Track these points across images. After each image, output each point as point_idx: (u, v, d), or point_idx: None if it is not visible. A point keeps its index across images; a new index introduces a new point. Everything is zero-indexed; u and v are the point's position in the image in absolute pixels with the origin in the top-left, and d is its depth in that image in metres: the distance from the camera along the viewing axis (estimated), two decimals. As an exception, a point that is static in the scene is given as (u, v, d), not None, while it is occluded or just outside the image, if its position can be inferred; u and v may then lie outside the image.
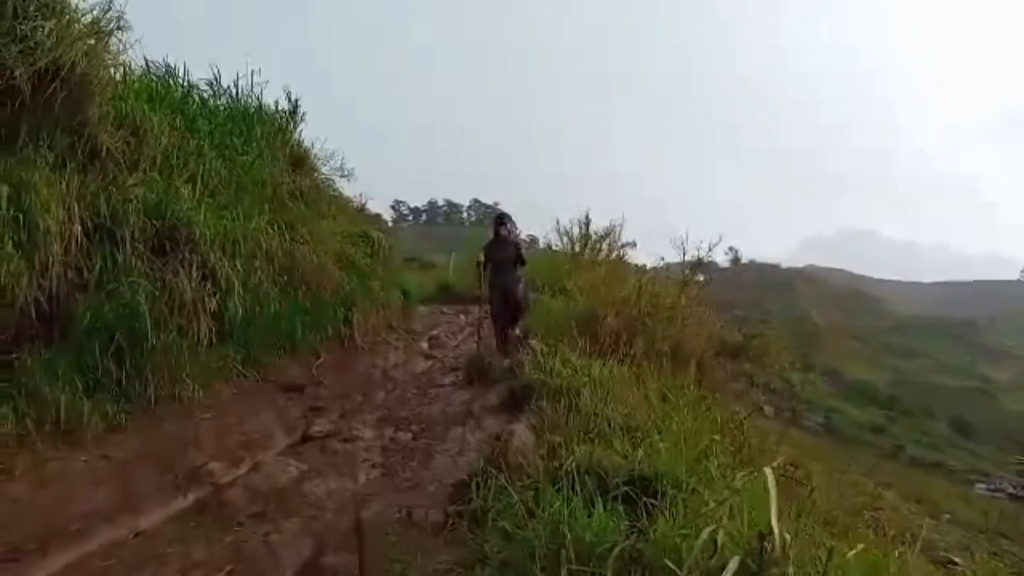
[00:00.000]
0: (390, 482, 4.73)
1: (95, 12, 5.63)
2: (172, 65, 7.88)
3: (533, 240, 20.42)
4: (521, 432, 4.38)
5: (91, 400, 4.69)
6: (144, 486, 4.21)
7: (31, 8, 5.07)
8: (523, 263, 8.30)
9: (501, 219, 8.48)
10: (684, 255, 9.63)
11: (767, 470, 3.12)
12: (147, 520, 3.86)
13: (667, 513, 2.34)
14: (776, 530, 2.01)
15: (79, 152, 5.48)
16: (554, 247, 17.14)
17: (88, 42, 5.45)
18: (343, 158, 10.53)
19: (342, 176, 10.64)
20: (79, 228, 5.09)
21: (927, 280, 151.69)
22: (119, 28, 5.89)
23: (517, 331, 8.01)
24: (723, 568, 1.84)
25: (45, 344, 4.82)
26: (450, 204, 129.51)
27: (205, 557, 3.48)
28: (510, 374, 6.50)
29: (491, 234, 8.44)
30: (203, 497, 4.22)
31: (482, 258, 8.17)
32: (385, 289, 10.01)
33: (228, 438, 5.15)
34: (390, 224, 21.50)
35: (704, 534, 1.94)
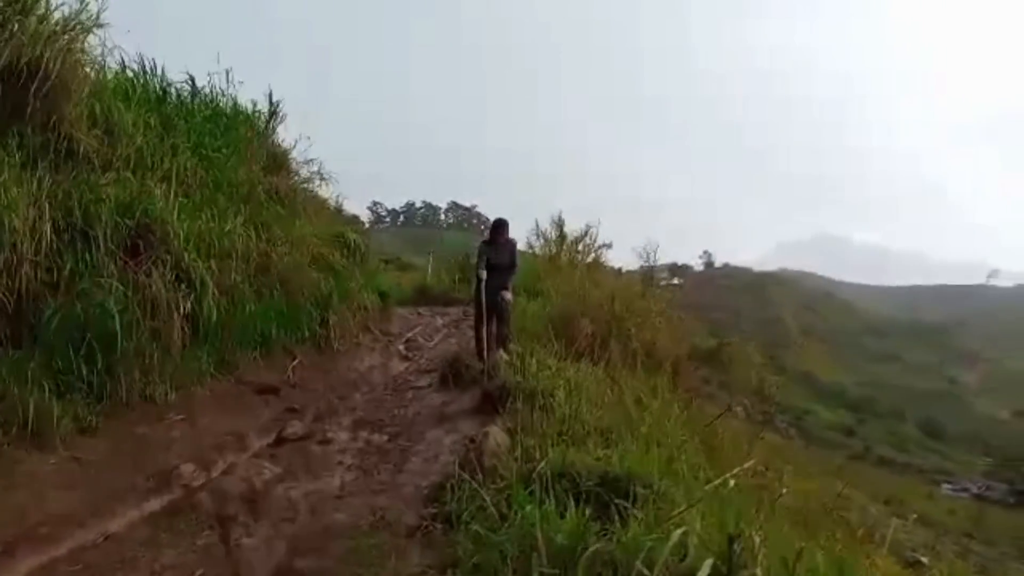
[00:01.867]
0: (365, 484, 4.72)
1: (68, 10, 5.57)
2: (150, 64, 7.80)
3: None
4: (496, 434, 4.40)
5: (61, 402, 4.61)
6: (114, 489, 4.16)
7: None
8: (515, 269, 8.11)
9: (500, 225, 8.12)
10: (656, 259, 9.74)
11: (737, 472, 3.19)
12: (117, 523, 3.81)
13: (638, 515, 2.37)
14: (745, 532, 2.06)
15: (51, 151, 5.41)
16: (532, 249, 17.22)
17: (62, 40, 5.39)
18: (320, 161, 10.52)
19: (319, 179, 10.61)
20: (50, 227, 5.01)
21: (899, 284, 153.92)
22: (96, 26, 5.83)
23: (502, 349, 7.48)
24: (694, 571, 1.87)
25: (14, 345, 4.74)
26: (428, 206, 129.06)
27: (175, 560, 3.46)
28: (486, 376, 6.52)
29: (488, 237, 8.16)
30: (174, 500, 4.18)
31: (483, 273, 7.70)
32: (362, 291, 9.96)
33: (201, 440, 5.09)
34: (367, 226, 21.41)
35: (674, 536, 1.97)
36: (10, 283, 4.66)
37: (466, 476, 3.14)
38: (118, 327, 5.04)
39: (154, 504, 4.10)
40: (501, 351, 7.19)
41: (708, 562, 1.84)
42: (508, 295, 7.80)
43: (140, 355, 5.26)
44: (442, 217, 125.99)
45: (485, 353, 7.50)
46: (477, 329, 7.92)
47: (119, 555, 3.51)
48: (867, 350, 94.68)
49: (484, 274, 7.65)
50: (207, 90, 8.67)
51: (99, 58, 6.45)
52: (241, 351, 6.71)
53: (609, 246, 16.40)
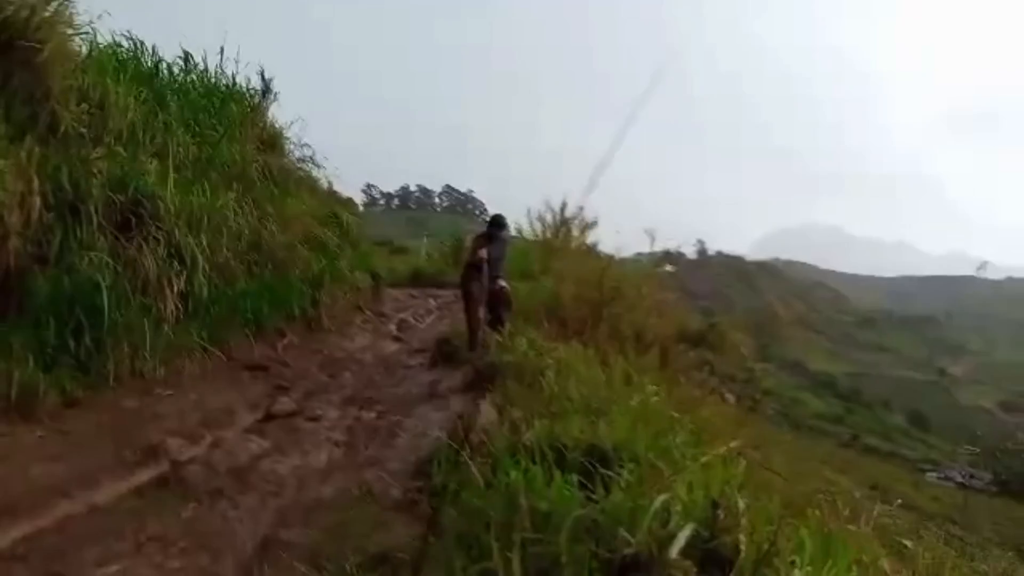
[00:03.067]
0: (353, 460, 4.72)
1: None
2: (140, 40, 7.71)
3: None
4: (485, 410, 4.42)
5: (48, 375, 4.59)
6: (101, 461, 4.14)
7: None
8: (503, 262, 8.03)
9: (500, 223, 8.11)
10: (650, 245, 9.76)
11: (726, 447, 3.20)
12: (102, 495, 3.80)
13: (623, 484, 2.38)
14: (730, 498, 2.07)
15: (39, 124, 5.35)
16: (525, 234, 17.24)
17: (47, 10, 5.32)
18: (314, 142, 10.50)
19: (312, 160, 10.57)
20: (39, 201, 4.97)
21: (890, 275, 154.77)
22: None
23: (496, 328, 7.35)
24: (675, 536, 1.87)
25: (1, 318, 4.72)
26: (422, 190, 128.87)
27: (160, 532, 3.45)
28: (476, 355, 6.53)
29: (486, 232, 8.04)
30: (161, 473, 4.16)
31: (484, 254, 7.56)
32: (354, 271, 9.94)
33: (189, 415, 5.08)
34: (361, 208, 21.36)
35: (657, 502, 1.98)
36: (-2, 255, 4.63)
37: (454, 449, 3.14)
38: (106, 301, 5.01)
39: (140, 477, 4.08)
40: (492, 332, 7.15)
41: (689, 526, 1.85)
42: (504, 284, 7.82)
43: (129, 330, 5.22)
44: (437, 201, 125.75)
45: (478, 336, 7.43)
46: (470, 315, 7.73)
47: (104, 526, 3.49)
48: (856, 340, 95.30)
49: (485, 253, 7.55)
50: (201, 67, 8.59)
51: (88, 31, 6.39)
52: (231, 328, 6.68)
53: (595, 223, 16.42)
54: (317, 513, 3.72)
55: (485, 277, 7.53)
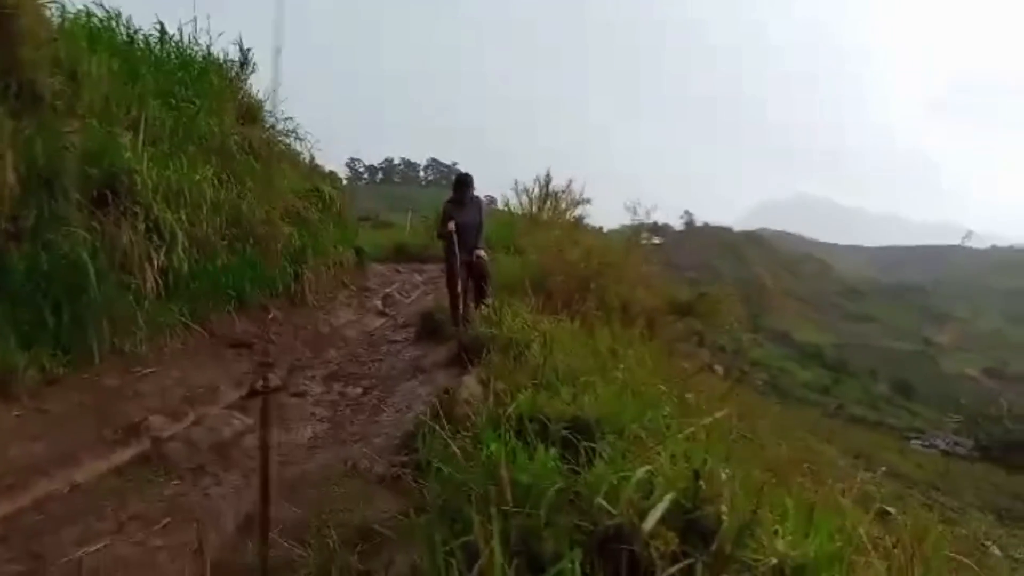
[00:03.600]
0: (337, 435, 4.71)
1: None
2: (115, 9, 7.51)
3: (491, 200, 20.40)
4: (470, 384, 4.38)
5: (27, 353, 4.54)
6: (81, 440, 4.11)
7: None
8: (482, 228, 7.55)
9: (464, 182, 7.51)
10: (637, 217, 9.73)
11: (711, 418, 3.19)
12: (83, 474, 3.78)
13: (606, 456, 2.36)
14: (713, 469, 2.05)
15: (11, 96, 5.22)
16: (511, 207, 17.18)
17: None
18: (296, 114, 10.34)
19: (294, 133, 10.41)
20: (13, 176, 4.87)
21: (877, 245, 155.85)
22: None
23: (479, 303, 7.09)
24: (656, 505, 1.86)
25: (-24, 295, 4.64)
26: (407, 163, 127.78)
27: (142, 510, 3.43)
28: (461, 327, 6.49)
29: (452, 195, 7.50)
30: (143, 451, 4.13)
31: (453, 226, 7.10)
32: (338, 246, 9.85)
33: (171, 392, 5.05)
34: (345, 182, 21.17)
35: (638, 472, 1.96)
36: (-29, 232, 4.54)
37: (438, 424, 3.11)
38: (88, 278, 4.94)
39: (122, 455, 4.06)
40: (475, 306, 7.06)
41: (669, 496, 1.83)
42: (483, 254, 7.41)
43: (109, 307, 5.16)
44: (421, 174, 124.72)
45: (461, 310, 7.22)
46: (451, 289, 7.42)
47: (85, 505, 3.48)
48: (844, 310, 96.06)
49: (453, 226, 7.08)
50: (177, 38, 8.39)
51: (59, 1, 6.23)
52: (214, 304, 6.61)
53: (588, 201, 16.38)
54: (301, 489, 3.69)
55: (457, 248, 7.14)
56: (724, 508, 1.89)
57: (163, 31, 8.23)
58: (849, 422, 40.33)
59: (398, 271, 13.41)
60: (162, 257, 5.79)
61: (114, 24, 7.46)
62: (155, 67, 7.53)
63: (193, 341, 6.13)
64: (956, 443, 37.60)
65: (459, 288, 7.25)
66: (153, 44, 8.07)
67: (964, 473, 23.38)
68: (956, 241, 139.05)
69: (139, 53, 7.59)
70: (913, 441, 39.06)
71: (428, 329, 7.43)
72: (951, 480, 19.55)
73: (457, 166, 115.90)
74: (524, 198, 16.87)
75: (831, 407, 47.17)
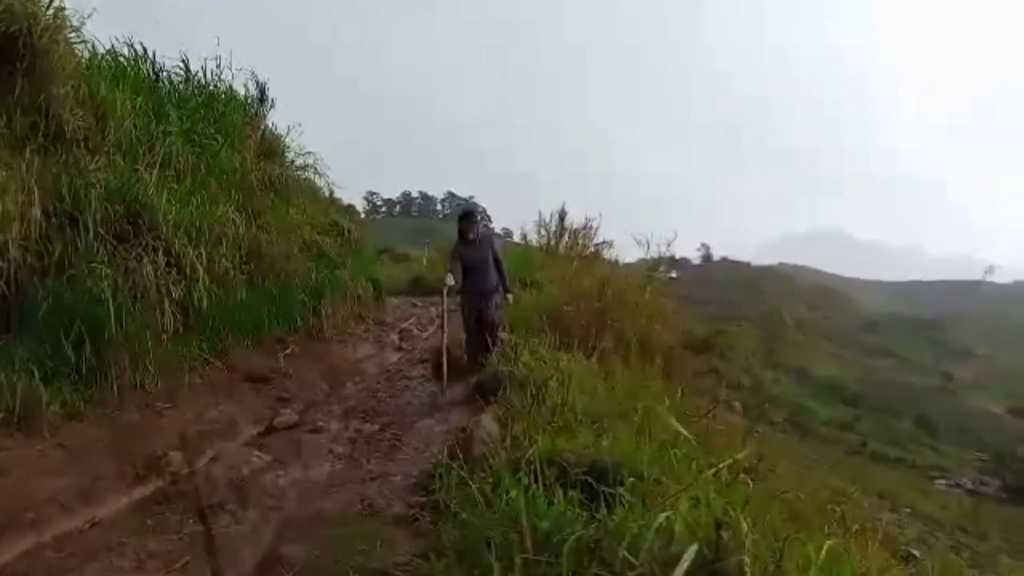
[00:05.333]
0: (354, 473, 4.68)
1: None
2: (141, 48, 7.70)
3: (507, 233, 20.44)
4: (487, 423, 4.36)
5: (49, 387, 4.56)
6: (102, 475, 4.13)
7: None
8: (500, 265, 7.03)
9: (468, 216, 7.03)
10: (653, 251, 9.70)
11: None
12: (104, 510, 3.79)
13: (626, 503, 2.34)
14: (733, 518, 2.02)
15: (40, 133, 5.34)
16: (529, 240, 17.21)
17: (47, 16, 5.33)
18: (315, 149, 10.47)
19: (313, 167, 10.55)
20: (39, 211, 4.96)
21: (896, 279, 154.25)
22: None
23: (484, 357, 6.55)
24: (679, 557, 1.83)
25: (2, 330, 4.70)
26: (424, 196, 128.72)
27: (162, 548, 3.43)
28: (478, 366, 6.46)
29: (458, 234, 7.00)
30: (162, 487, 4.14)
31: (450, 279, 6.70)
32: (355, 280, 9.91)
33: (190, 428, 5.06)
34: (363, 215, 21.34)
35: (659, 519, 1.94)
36: (-1, 266, 4.62)
37: (455, 465, 3.10)
38: (109, 313, 4.99)
39: (141, 491, 4.07)
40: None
41: (692, 548, 1.81)
42: (493, 305, 6.94)
43: (130, 342, 5.18)
44: (439, 208, 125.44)
45: (471, 362, 6.87)
46: (467, 330, 7.15)
47: (105, 542, 3.48)
48: (864, 345, 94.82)
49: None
50: (201, 75, 8.57)
51: (89, 39, 6.39)
52: (232, 339, 6.65)
53: (610, 244, 16.35)
54: (318, 528, 3.68)
55: (469, 292, 6.84)
56: (746, 560, 1.86)
57: (187, 68, 8.42)
58: (871, 459, 39.58)
59: (415, 304, 13.44)
60: (182, 292, 5.84)
61: (140, 61, 7.64)
62: (179, 104, 7.67)
63: (211, 376, 6.15)
64: (982, 482, 36.79)
65: (471, 336, 7.00)
66: (177, 82, 8.25)
67: (991, 515, 22.80)
68: (978, 276, 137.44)
69: (164, 90, 7.74)
70: (938, 480, 38.24)
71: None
72: (978, 522, 19.05)
73: (473, 199, 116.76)
74: (541, 231, 16.91)
75: (853, 444, 46.35)
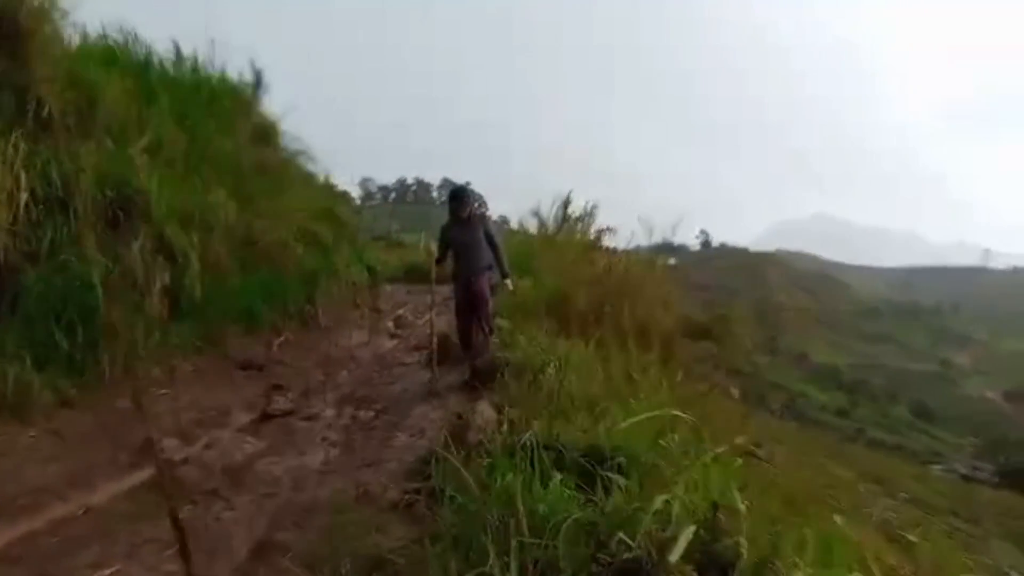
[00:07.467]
0: (349, 460, 4.65)
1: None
2: (134, 30, 7.61)
3: (504, 221, 20.32)
4: (483, 409, 4.35)
5: (41, 374, 4.55)
6: (95, 462, 4.11)
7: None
8: (496, 247, 6.61)
9: (458, 196, 6.70)
10: (653, 237, 9.66)
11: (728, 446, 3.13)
12: (97, 497, 3.76)
13: (623, 486, 2.31)
14: (731, 501, 2.00)
15: (28, 117, 5.27)
16: (527, 228, 17.14)
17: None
18: (309, 135, 10.40)
19: (307, 154, 10.47)
20: (27, 196, 4.89)
21: (895, 265, 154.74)
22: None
23: (483, 333, 6.54)
24: (676, 539, 1.81)
25: (-7, 315, 4.66)
26: (420, 183, 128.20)
27: (155, 534, 3.38)
28: (472, 355, 6.39)
29: (449, 216, 6.74)
30: (155, 474, 4.11)
31: (436, 253, 6.79)
32: (350, 267, 9.86)
33: (183, 415, 5.02)
34: (358, 202, 21.28)
35: (656, 502, 1.91)
36: (-13, 253, 4.57)
37: (451, 450, 3.07)
38: (100, 299, 4.95)
39: (135, 478, 4.03)
40: (485, 348, 6.52)
41: (689, 529, 1.79)
42: (483, 281, 6.51)
43: (122, 329, 5.15)
44: (435, 194, 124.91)
45: (464, 346, 6.67)
46: (457, 315, 6.80)
47: (99, 528, 3.45)
48: (862, 331, 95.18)
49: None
50: (192, 59, 8.48)
51: (77, 21, 6.31)
52: (226, 326, 6.62)
53: (612, 231, 16.28)
54: (313, 515, 3.65)
55: (460, 271, 6.55)
56: (743, 541, 1.84)
57: (179, 52, 8.33)
58: (868, 446, 39.82)
59: (410, 291, 13.37)
60: (174, 278, 5.80)
61: (130, 45, 7.55)
62: (170, 88, 7.58)
63: (205, 363, 6.13)
64: (976, 468, 37.06)
65: (462, 318, 6.68)
66: (168, 65, 8.15)
67: (985, 500, 22.99)
68: (976, 261, 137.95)
69: (155, 74, 7.66)
70: (933, 466, 38.49)
71: (440, 352, 7.33)
72: (972, 507, 19.21)
73: (470, 185, 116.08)
74: (540, 218, 16.83)
75: (850, 431, 46.61)
